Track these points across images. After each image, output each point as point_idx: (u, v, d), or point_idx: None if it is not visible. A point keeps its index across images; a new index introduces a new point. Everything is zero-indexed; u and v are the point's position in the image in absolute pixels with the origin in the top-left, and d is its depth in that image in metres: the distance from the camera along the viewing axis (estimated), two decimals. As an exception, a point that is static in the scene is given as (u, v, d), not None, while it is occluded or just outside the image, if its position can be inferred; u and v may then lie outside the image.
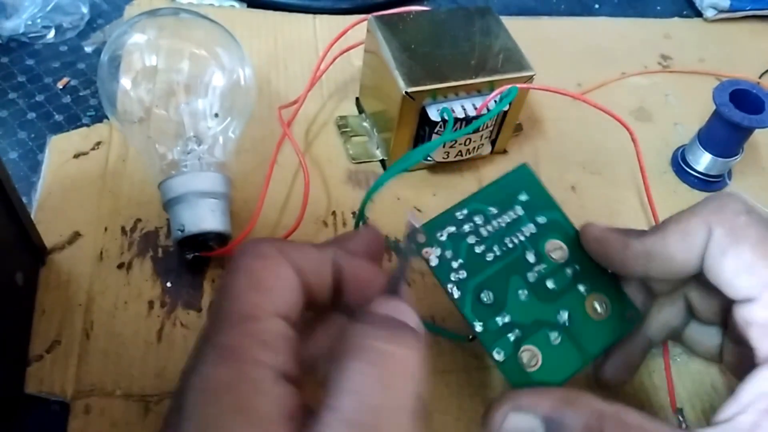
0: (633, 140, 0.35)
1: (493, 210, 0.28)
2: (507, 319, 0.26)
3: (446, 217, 0.27)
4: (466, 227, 0.27)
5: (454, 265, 0.26)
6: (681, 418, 0.30)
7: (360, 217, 0.29)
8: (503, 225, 0.28)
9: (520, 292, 0.27)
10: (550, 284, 0.27)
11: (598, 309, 0.27)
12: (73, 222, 0.33)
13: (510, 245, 0.27)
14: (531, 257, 0.27)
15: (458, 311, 0.26)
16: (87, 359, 0.29)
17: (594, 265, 0.28)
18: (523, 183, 0.29)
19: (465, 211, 0.28)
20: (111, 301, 0.31)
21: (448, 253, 0.27)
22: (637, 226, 0.37)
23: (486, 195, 0.28)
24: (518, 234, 0.28)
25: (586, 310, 0.27)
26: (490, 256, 0.27)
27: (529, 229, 0.28)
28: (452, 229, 0.27)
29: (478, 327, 0.26)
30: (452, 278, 0.26)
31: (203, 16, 0.36)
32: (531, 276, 0.27)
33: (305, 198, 0.34)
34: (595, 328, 0.27)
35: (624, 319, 0.27)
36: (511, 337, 0.26)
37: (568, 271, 0.28)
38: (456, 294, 0.26)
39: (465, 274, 0.26)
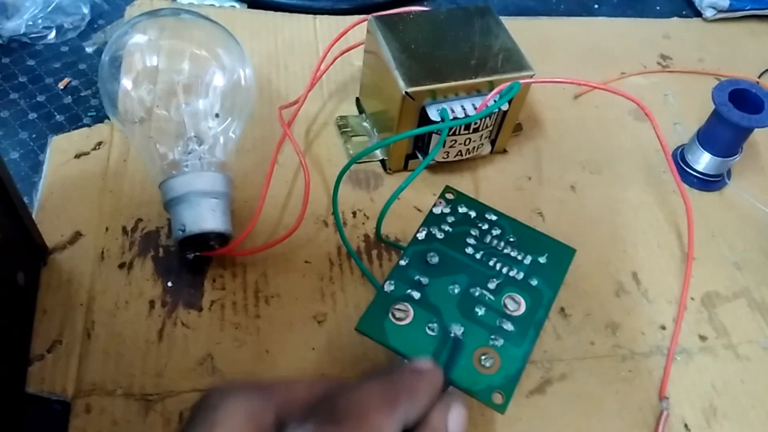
0: (653, 126, 0.35)
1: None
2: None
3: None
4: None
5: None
6: (665, 406, 0.30)
7: (378, 227, 0.31)
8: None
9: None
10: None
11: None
12: (74, 222, 0.34)
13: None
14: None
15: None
16: (88, 359, 0.29)
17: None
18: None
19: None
20: (112, 301, 0.31)
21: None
22: (636, 225, 0.37)
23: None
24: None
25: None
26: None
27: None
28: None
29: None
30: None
31: (204, 16, 0.36)
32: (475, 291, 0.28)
33: (306, 197, 0.34)
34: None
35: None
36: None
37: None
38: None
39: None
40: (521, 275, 0.28)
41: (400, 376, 0.21)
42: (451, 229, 0.29)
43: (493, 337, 0.26)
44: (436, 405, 0.21)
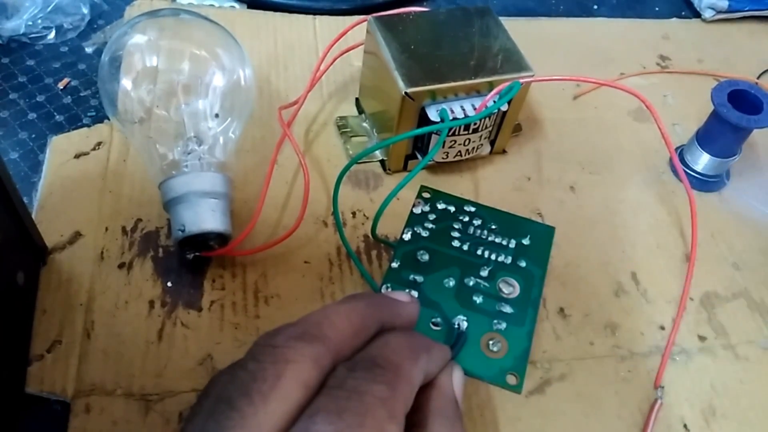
0: (655, 119, 0.35)
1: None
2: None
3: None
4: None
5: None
6: (659, 395, 0.30)
7: (374, 226, 0.31)
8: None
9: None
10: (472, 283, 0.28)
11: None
12: (73, 222, 0.34)
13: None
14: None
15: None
16: (88, 359, 0.29)
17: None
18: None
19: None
20: (112, 301, 0.31)
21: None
22: (635, 225, 0.37)
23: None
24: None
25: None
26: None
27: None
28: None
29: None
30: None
31: (203, 16, 0.36)
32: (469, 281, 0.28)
33: (305, 198, 0.35)
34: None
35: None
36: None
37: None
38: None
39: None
40: (509, 259, 0.29)
41: (420, 336, 0.23)
42: (434, 226, 0.30)
43: (495, 321, 0.26)
44: (443, 368, 0.23)
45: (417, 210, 0.30)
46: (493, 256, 0.29)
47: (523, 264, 0.28)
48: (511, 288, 0.28)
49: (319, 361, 0.19)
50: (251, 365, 0.19)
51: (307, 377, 0.19)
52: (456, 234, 0.29)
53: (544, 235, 0.30)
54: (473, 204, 0.31)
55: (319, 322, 0.21)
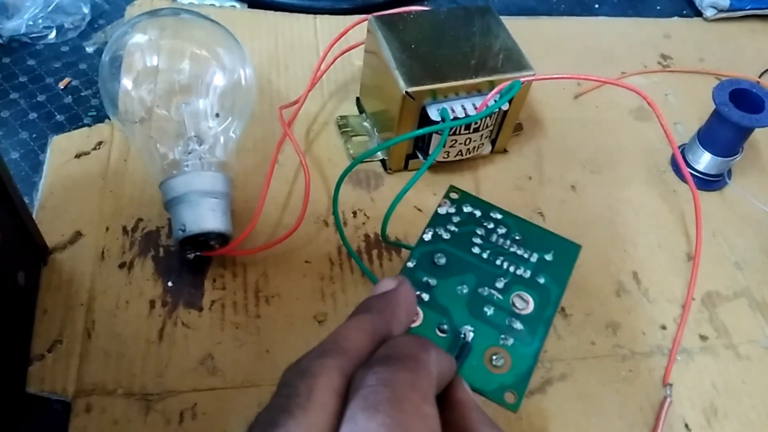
0: (657, 116, 0.34)
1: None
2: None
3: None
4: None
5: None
6: (668, 393, 0.30)
7: (384, 230, 0.32)
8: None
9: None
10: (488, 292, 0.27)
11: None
12: (74, 222, 0.34)
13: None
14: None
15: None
16: (88, 358, 0.29)
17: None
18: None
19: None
20: (112, 301, 0.31)
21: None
22: (637, 225, 0.37)
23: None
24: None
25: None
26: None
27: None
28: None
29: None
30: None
31: (204, 16, 0.36)
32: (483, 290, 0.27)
33: (306, 197, 0.34)
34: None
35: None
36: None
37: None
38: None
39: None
40: (528, 273, 0.28)
41: (425, 337, 0.23)
42: (456, 229, 0.29)
43: (503, 336, 0.26)
44: (453, 383, 0.22)
45: (442, 210, 0.29)
46: (512, 268, 0.28)
47: (542, 280, 0.28)
48: (525, 303, 0.27)
49: (343, 370, 0.20)
50: (284, 390, 0.20)
51: (337, 385, 0.19)
52: (478, 240, 0.28)
53: (568, 252, 0.29)
54: (501, 211, 0.30)
55: (334, 339, 0.21)
